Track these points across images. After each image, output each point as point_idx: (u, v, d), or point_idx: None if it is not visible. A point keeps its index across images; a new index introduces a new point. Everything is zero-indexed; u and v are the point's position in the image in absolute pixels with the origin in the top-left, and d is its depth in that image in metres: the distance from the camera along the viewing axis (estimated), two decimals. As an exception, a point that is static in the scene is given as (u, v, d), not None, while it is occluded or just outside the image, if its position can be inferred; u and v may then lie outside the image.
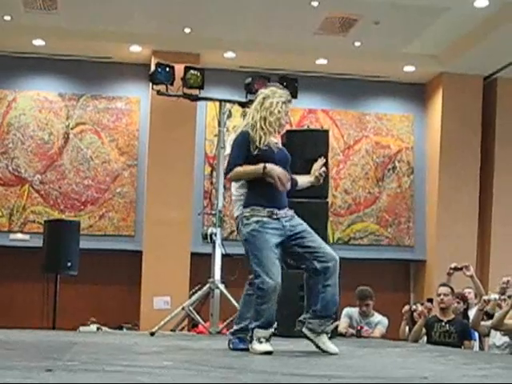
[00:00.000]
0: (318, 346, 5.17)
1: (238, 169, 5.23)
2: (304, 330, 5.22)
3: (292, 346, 5.51)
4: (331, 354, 5.07)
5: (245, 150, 5.22)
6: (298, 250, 5.20)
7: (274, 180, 5.11)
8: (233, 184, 5.83)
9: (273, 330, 5.15)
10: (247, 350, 5.21)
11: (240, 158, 5.24)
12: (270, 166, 5.12)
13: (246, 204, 5.30)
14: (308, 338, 5.22)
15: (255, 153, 5.19)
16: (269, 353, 4.97)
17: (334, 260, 5.16)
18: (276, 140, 5.42)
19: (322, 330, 5.17)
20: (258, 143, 5.19)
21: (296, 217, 5.32)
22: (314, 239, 5.22)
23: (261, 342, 5.04)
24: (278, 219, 5.17)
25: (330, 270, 5.14)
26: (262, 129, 5.23)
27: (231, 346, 5.43)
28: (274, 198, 5.20)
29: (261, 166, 5.13)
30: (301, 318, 5.27)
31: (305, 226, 5.28)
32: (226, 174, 5.38)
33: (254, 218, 5.16)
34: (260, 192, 5.19)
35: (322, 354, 5.08)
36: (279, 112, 5.28)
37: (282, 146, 5.66)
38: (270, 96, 5.34)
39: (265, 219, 5.14)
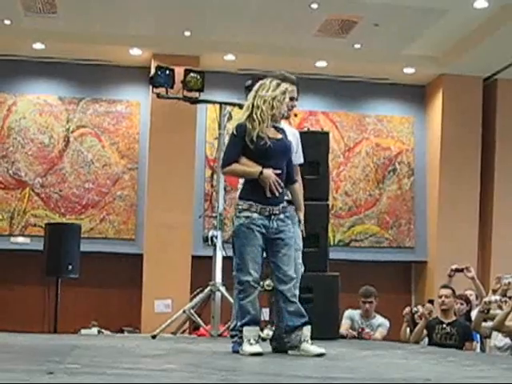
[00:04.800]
0: (305, 355, 5.18)
1: (236, 166, 5.28)
2: (288, 351, 5.27)
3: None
4: (319, 355, 5.06)
5: (240, 142, 5.24)
6: (269, 256, 5.25)
7: (265, 186, 5.16)
8: None
9: (267, 334, 5.19)
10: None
11: (236, 153, 5.27)
12: (266, 172, 5.16)
13: (241, 195, 5.34)
14: (294, 354, 5.26)
15: (250, 145, 5.20)
16: (259, 354, 4.98)
17: (289, 283, 5.17)
18: (274, 132, 5.34)
19: (299, 340, 5.17)
20: (252, 134, 5.19)
21: (289, 221, 5.32)
22: (285, 253, 5.21)
23: (251, 344, 5.07)
24: (269, 216, 5.19)
25: (285, 293, 5.15)
26: (257, 118, 5.23)
27: (231, 348, 5.46)
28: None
29: (258, 169, 5.17)
30: (276, 336, 5.37)
31: (288, 236, 5.27)
32: (222, 166, 5.42)
33: (245, 213, 5.20)
34: (256, 186, 5.20)
35: (322, 356, 5.07)
36: (273, 99, 5.26)
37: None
38: (267, 84, 5.35)
39: (254, 215, 5.18)
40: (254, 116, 5.24)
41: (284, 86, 5.36)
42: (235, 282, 5.24)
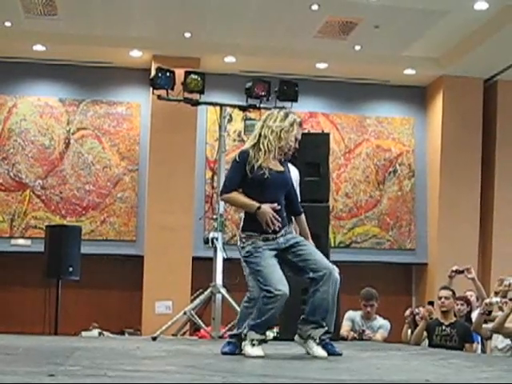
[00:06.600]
0: (307, 352, 5.20)
1: (235, 196, 5.29)
2: (295, 336, 5.30)
3: (294, 349, 5.51)
4: (320, 358, 5.07)
5: (242, 171, 5.25)
6: (293, 260, 5.24)
7: (262, 222, 5.17)
8: None
9: (267, 335, 5.20)
10: (232, 353, 5.32)
11: (237, 182, 5.28)
12: (264, 208, 5.16)
13: (243, 227, 5.36)
14: (298, 343, 5.28)
15: (249, 174, 5.21)
16: (260, 357, 4.99)
17: (327, 269, 5.15)
18: (278, 164, 5.33)
19: (308, 335, 5.20)
20: (253, 163, 5.20)
21: (292, 233, 5.37)
22: (307, 249, 5.25)
23: (253, 345, 5.09)
24: (273, 240, 5.22)
25: (323, 277, 5.13)
26: (263, 147, 5.23)
27: (221, 348, 5.51)
28: None
29: (256, 205, 5.18)
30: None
31: (299, 238, 5.34)
32: (221, 193, 5.43)
33: (249, 242, 5.23)
34: (256, 217, 5.21)
35: (324, 358, 5.08)
36: (281, 131, 5.26)
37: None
38: (275, 114, 5.35)
39: (259, 242, 5.20)
40: (261, 146, 5.24)
41: (292, 116, 5.35)
42: (262, 294, 5.17)
